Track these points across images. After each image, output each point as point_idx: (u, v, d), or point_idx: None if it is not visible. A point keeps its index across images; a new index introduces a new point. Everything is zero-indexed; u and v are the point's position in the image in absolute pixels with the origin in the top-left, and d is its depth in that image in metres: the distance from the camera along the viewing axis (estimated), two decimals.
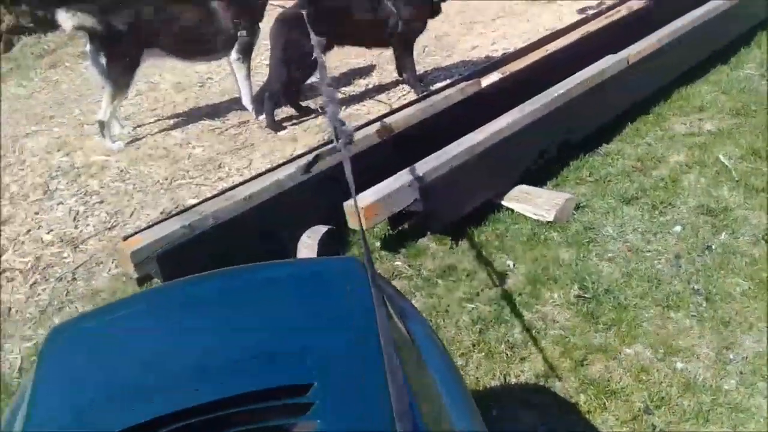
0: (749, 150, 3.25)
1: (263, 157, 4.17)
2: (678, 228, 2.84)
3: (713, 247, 2.69)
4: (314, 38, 3.14)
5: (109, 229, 3.58)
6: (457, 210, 3.09)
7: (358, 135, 3.38)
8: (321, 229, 3.06)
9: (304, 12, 3.71)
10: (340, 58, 5.55)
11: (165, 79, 5.99)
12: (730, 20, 4.44)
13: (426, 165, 3.08)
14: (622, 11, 4.58)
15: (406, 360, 1.04)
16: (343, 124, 2.66)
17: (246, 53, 4.67)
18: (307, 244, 3.03)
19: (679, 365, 2.19)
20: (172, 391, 0.99)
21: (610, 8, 4.73)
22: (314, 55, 2.97)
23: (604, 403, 2.10)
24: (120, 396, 1.01)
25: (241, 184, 3.19)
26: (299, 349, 1.05)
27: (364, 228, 2.95)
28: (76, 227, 3.66)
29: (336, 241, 3.08)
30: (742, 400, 2.01)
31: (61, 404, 1.01)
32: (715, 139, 3.43)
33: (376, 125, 3.45)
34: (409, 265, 2.94)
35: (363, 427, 0.91)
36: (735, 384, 2.08)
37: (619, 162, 3.40)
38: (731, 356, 2.18)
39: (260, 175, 3.26)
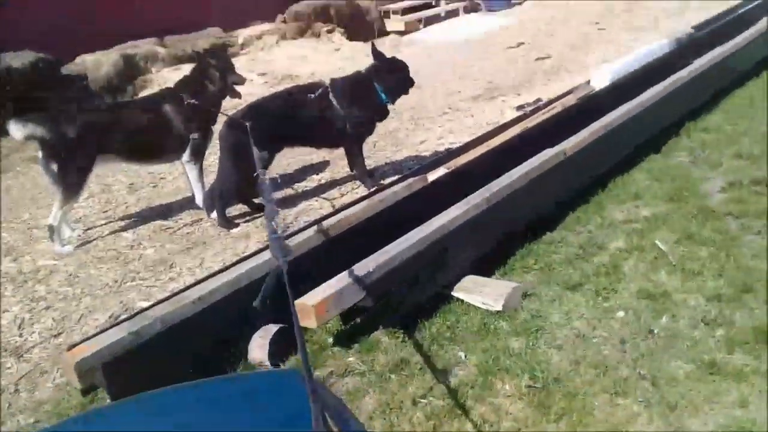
0: (684, 234, 3.41)
1: (215, 255, 4.17)
2: (621, 313, 2.92)
3: (656, 331, 2.77)
4: (257, 153, 3.23)
5: (56, 336, 3.48)
6: (405, 303, 3.12)
7: (305, 235, 3.44)
8: (272, 329, 3.05)
9: (247, 125, 3.77)
10: (295, 155, 5.70)
11: (118, 180, 6.02)
12: (659, 111, 4.75)
13: (374, 261, 3.13)
14: (557, 107, 4.87)
15: None
16: (276, 237, 2.74)
17: (198, 155, 4.76)
18: (259, 344, 3.00)
19: None
20: None
21: (546, 104, 5.02)
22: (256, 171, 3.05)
23: None
24: None
25: (193, 285, 3.17)
26: None
27: (315, 326, 2.95)
28: (20, 335, 3.55)
29: (288, 339, 3.06)
30: None
31: None
32: (651, 225, 3.59)
33: (322, 224, 3.51)
34: (362, 361, 2.93)
35: None
36: None
37: (563, 249, 3.52)
38: None
39: (211, 275, 3.26)
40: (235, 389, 1.40)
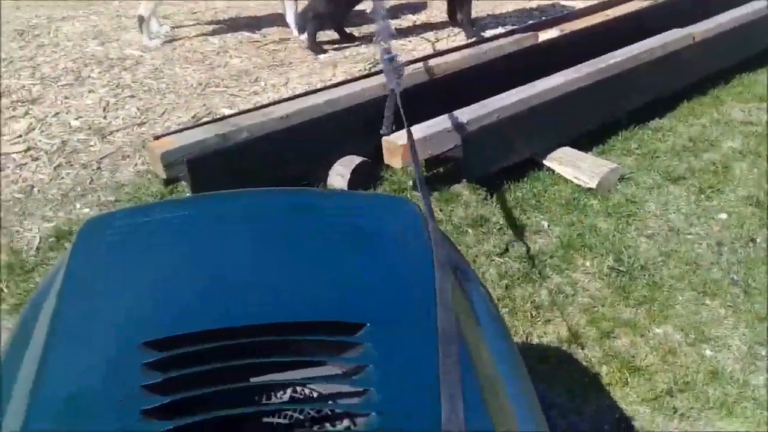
0: None
1: (301, 77, 4.04)
2: (723, 215, 2.74)
3: (758, 240, 2.59)
4: None
5: (139, 125, 3.49)
6: (496, 162, 2.98)
7: (407, 71, 3.25)
8: (355, 160, 2.97)
9: None
10: None
11: None
12: None
13: (471, 112, 2.97)
14: None
15: (465, 324, 0.95)
16: (394, 57, 2.56)
17: None
18: (340, 172, 2.94)
19: (709, 353, 2.13)
20: (212, 308, 0.90)
21: None
22: None
23: (627, 379, 2.04)
24: (157, 303, 0.92)
25: (279, 102, 3.09)
26: (353, 287, 0.97)
27: (400, 165, 2.87)
28: (105, 118, 3.57)
29: (368, 174, 2.99)
30: None
31: (93, 303, 0.92)
32: None
33: (426, 64, 3.32)
34: (440, 210, 2.85)
35: (409, 379, 0.83)
36: (764, 381, 2.02)
37: (670, 139, 3.27)
38: (763, 352, 2.12)
39: (299, 96, 3.16)
40: (349, 203, 1.31)
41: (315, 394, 0.84)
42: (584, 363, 2.12)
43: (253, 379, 0.83)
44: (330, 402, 0.83)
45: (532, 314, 2.30)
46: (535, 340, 2.21)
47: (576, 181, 2.93)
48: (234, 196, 1.31)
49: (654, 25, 3.78)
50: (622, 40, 3.59)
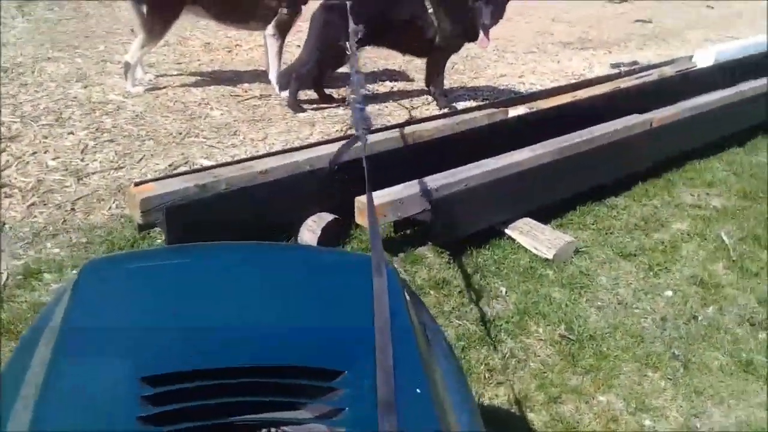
0: (751, 234, 3.34)
1: (279, 134, 4.20)
2: (669, 293, 2.91)
3: (699, 318, 2.76)
4: (352, 26, 3.22)
5: (116, 169, 3.58)
6: (462, 229, 3.14)
7: (382, 136, 3.44)
8: (326, 217, 3.09)
9: (348, 2, 3.77)
10: (371, 57, 5.61)
11: (195, 36, 6.01)
12: (754, 106, 4.55)
13: (441, 179, 3.13)
14: (654, 75, 4.69)
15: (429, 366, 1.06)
16: (363, 110, 2.72)
17: (283, 30, 4.70)
18: (311, 228, 3.06)
19: (648, 422, 2.25)
20: (205, 350, 1.00)
21: (643, 69, 4.83)
22: (347, 42, 3.05)
23: None
24: (155, 343, 1.02)
25: (260, 156, 3.22)
26: (334, 336, 1.07)
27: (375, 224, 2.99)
28: (82, 160, 3.66)
29: (337, 232, 3.12)
30: None
31: (94, 341, 1.01)
32: (719, 216, 3.51)
33: (401, 130, 3.49)
34: (405, 270, 2.98)
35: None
36: None
37: (624, 217, 3.48)
38: (698, 425, 2.25)
39: (277, 153, 3.30)
40: (336, 259, 1.42)
41: None
42: (531, 426, 2.22)
43: (237, 417, 0.92)
44: None
45: (485, 376, 2.40)
46: (486, 401, 2.30)
47: (534, 251, 3.09)
48: (227, 248, 1.42)
49: (617, 108, 4.03)
50: (586, 120, 3.82)
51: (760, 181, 3.94)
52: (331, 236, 3.07)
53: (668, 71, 4.76)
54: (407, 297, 1.23)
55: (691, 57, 5.13)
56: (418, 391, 0.99)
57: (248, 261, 1.29)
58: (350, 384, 0.95)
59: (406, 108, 4.80)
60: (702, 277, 3.02)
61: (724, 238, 3.30)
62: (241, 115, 4.42)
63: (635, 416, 2.27)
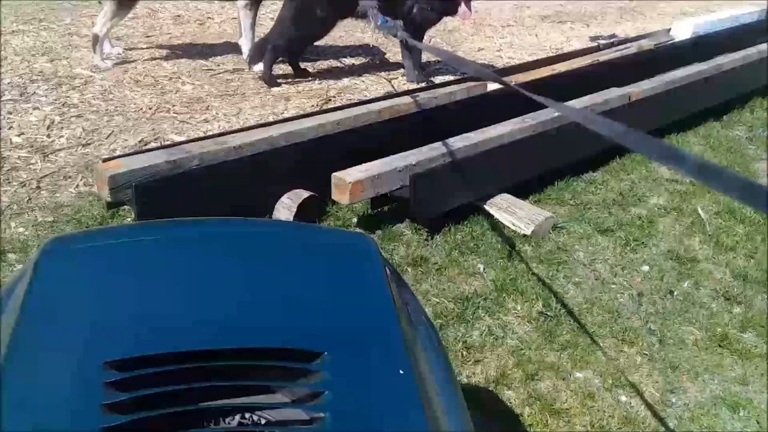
0: (726, 208, 3.35)
1: (253, 108, 4.10)
2: (646, 268, 2.92)
3: (675, 293, 2.77)
4: None
5: (84, 145, 3.47)
6: (440, 205, 3.10)
7: (359, 111, 3.37)
8: (302, 194, 3.04)
9: None
10: (347, 29, 5.50)
11: (165, 8, 5.85)
12: (731, 79, 4.55)
13: (420, 154, 3.09)
14: (632, 48, 4.66)
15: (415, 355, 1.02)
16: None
17: (256, 1, 4.58)
18: (286, 205, 3.00)
19: (624, 398, 2.26)
20: (174, 332, 0.95)
21: (621, 42, 4.80)
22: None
23: (547, 421, 2.14)
24: (119, 324, 0.96)
25: (234, 131, 3.14)
26: (314, 317, 1.03)
27: (347, 202, 2.94)
28: (48, 136, 3.54)
29: (314, 209, 3.06)
30: None
31: (56, 320, 0.95)
32: (695, 191, 3.52)
33: (378, 105, 3.43)
34: (383, 248, 2.94)
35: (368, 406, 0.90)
36: (673, 427, 2.16)
37: (602, 192, 3.47)
38: (674, 400, 2.26)
39: (254, 127, 3.22)
40: (312, 235, 1.36)
41: (264, 421, 0.88)
42: (508, 404, 2.22)
43: (207, 403, 0.87)
44: (279, 428, 0.87)
45: (462, 354, 2.39)
46: (464, 380, 2.29)
47: (512, 227, 3.07)
48: (198, 223, 1.35)
49: (596, 82, 4.00)
50: (566, 94, 3.78)
51: (736, 155, 3.96)
52: (307, 214, 3.02)
53: (646, 44, 4.73)
54: (388, 273, 1.19)
55: (668, 30, 5.10)
56: (401, 372, 0.95)
57: (220, 237, 1.22)
58: (330, 366, 0.91)
59: (385, 81, 4.72)
60: (678, 251, 3.02)
61: (701, 212, 3.31)
62: (214, 90, 4.32)
63: (611, 392, 2.28)
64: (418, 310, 1.24)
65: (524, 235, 3.03)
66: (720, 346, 2.48)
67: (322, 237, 1.35)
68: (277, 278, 1.09)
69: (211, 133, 3.49)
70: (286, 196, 3.03)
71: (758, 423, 2.15)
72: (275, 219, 2.99)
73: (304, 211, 3.00)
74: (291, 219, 2.97)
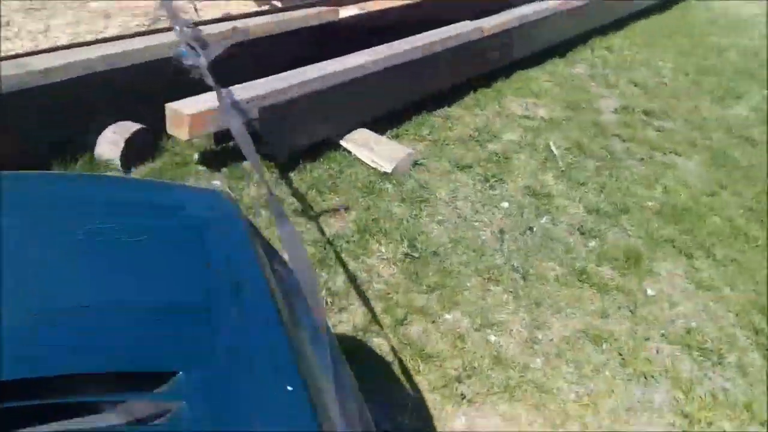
0: (575, 144, 3.41)
1: (66, 25, 3.49)
2: (505, 204, 2.87)
3: (534, 228, 2.76)
4: None
5: None
6: (293, 140, 2.82)
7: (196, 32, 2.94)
8: (131, 127, 2.61)
9: None
10: None
11: None
12: (575, 18, 4.65)
13: (269, 84, 2.77)
14: None
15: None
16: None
17: None
18: (112, 140, 2.57)
19: (493, 338, 2.19)
20: None
21: None
22: None
23: (419, 367, 2.02)
24: None
25: (39, 52, 2.59)
26: (159, 310, 0.75)
27: (186, 137, 2.57)
28: None
29: (145, 144, 2.66)
30: (547, 380, 2.06)
31: None
32: (546, 126, 3.55)
33: (219, 26, 3.02)
34: (230, 188, 2.62)
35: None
36: (541, 363, 2.13)
37: (458, 128, 3.38)
38: (540, 336, 2.23)
39: (65, 47, 2.69)
40: (154, 198, 1.05)
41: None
42: (379, 351, 2.07)
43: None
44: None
45: (327, 302, 2.19)
46: (331, 329, 2.09)
47: (372, 165, 2.88)
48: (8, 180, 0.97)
49: (451, 14, 3.86)
50: (419, 25, 3.61)
51: (579, 92, 4.05)
52: (137, 150, 2.61)
53: None
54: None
55: None
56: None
57: (46, 199, 0.88)
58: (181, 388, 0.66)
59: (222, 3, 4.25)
60: (534, 187, 3.02)
61: (553, 148, 3.33)
62: (16, 3, 3.60)
63: (481, 332, 2.20)
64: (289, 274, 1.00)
65: (384, 173, 2.86)
66: (579, 280, 2.50)
67: (165, 197, 1.04)
68: (119, 265, 0.79)
69: (12, 53, 2.89)
70: (110, 129, 2.59)
71: (620, 355, 2.18)
72: (96, 158, 2.55)
73: (133, 146, 2.58)
74: (117, 156, 2.55)
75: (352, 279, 2.31)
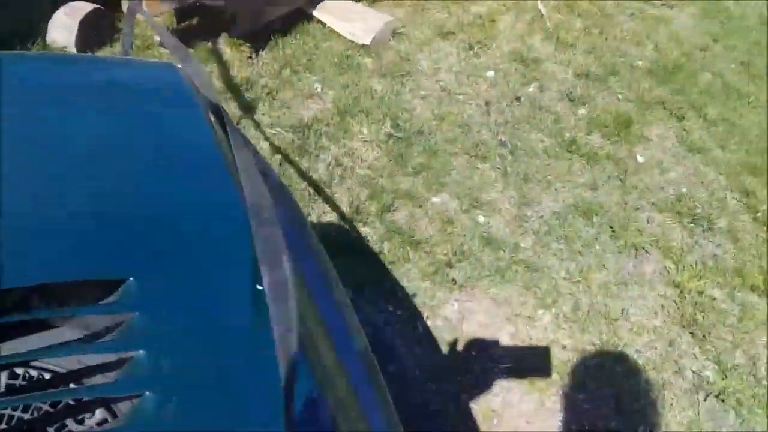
0: (564, 2, 3.19)
1: None
2: (491, 73, 2.73)
3: (522, 98, 2.64)
4: None
5: None
6: (261, 15, 2.60)
7: None
8: (84, 7, 2.38)
9: None
10: None
11: None
12: None
13: None
14: None
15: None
16: None
17: None
18: (64, 23, 2.35)
19: (482, 219, 2.16)
20: None
21: None
22: None
23: (408, 254, 2.00)
24: None
25: None
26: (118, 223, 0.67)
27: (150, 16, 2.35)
28: None
29: (102, 25, 2.44)
30: (537, 259, 2.05)
31: None
32: None
33: None
34: None
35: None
36: (531, 242, 2.11)
37: None
38: (529, 213, 2.20)
39: None
40: (107, 75, 0.93)
41: (48, 376, 0.58)
42: (367, 240, 2.03)
43: None
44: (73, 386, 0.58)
45: (309, 192, 2.11)
46: (314, 221, 2.04)
47: (349, 37, 2.69)
48: None
49: None
50: None
51: None
52: (94, 33, 2.40)
53: None
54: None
55: None
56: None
57: None
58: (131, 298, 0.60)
59: None
60: (521, 52, 2.86)
61: (540, 7, 3.12)
62: None
63: (469, 214, 2.16)
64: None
65: (363, 45, 2.67)
66: (569, 151, 2.43)
67: (109, 71, 0.92)
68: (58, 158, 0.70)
69: None
70: (62, 11, 2.36)
71: (611, 228, 2.16)
72: (49, 44, 2.34)
73: (88, 29, 2.37)
74: (71, 41, 2.35)
75: (335, 165, 2.22)
